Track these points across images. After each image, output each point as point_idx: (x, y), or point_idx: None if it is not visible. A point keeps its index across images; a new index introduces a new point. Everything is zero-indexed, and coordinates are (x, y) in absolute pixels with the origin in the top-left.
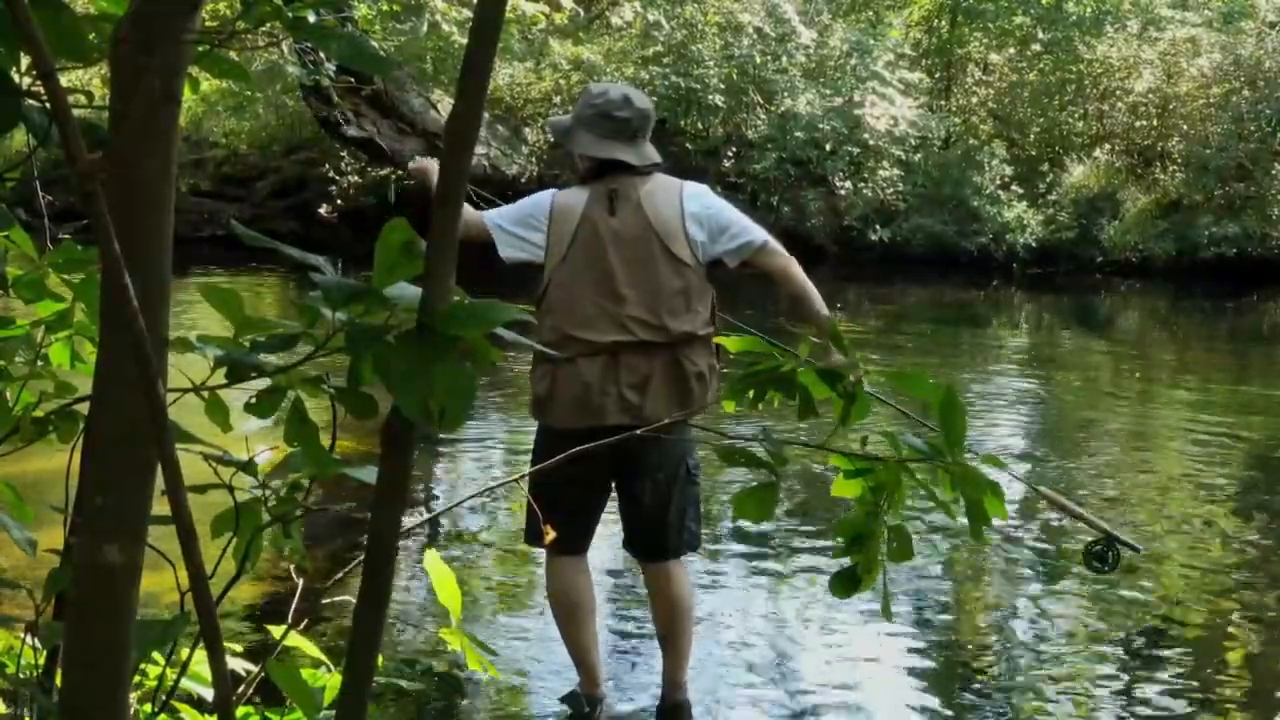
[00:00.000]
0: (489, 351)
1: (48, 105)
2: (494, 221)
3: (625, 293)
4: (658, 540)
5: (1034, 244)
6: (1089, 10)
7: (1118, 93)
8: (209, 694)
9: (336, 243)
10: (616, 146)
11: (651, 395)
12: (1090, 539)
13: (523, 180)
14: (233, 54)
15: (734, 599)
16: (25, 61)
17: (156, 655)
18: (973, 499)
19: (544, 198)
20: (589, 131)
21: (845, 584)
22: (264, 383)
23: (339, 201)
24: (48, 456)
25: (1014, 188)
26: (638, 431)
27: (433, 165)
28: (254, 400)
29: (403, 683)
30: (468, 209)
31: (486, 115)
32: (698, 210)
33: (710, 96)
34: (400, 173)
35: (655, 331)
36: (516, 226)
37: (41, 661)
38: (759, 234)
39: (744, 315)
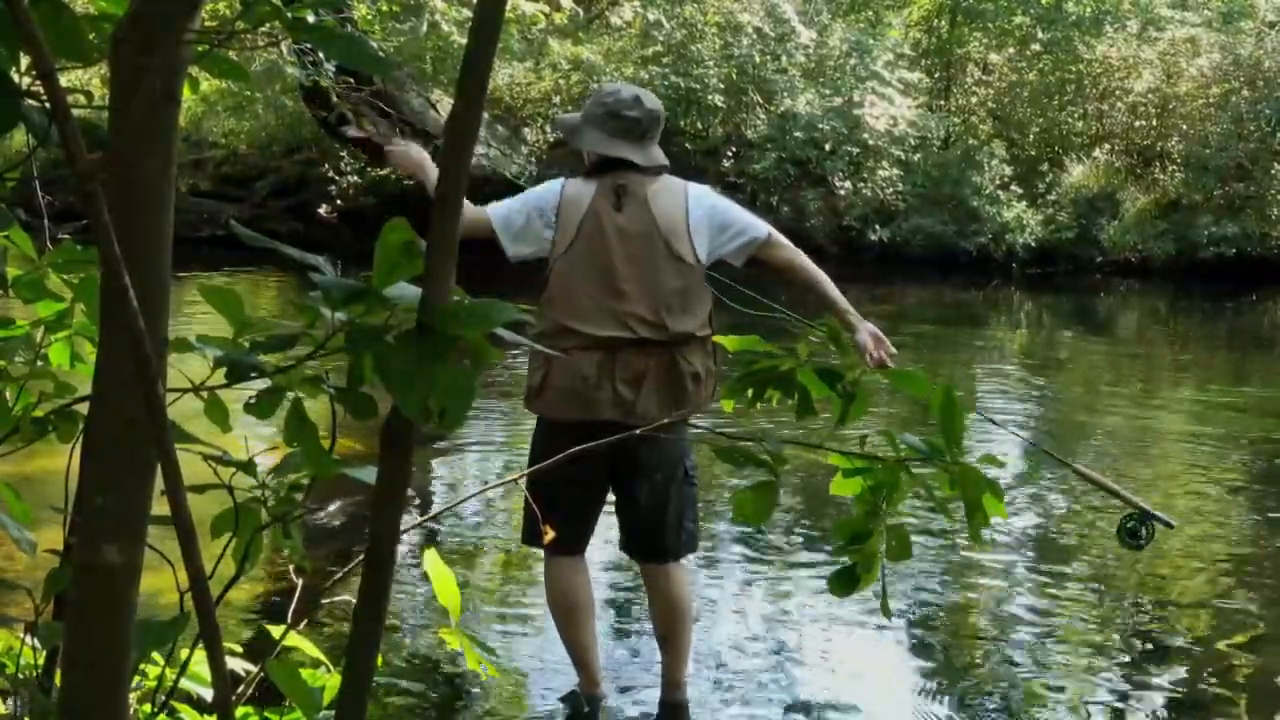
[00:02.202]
0: (489, 351)
1: (48, 105)
2: (501, 221)
3: (626, 289)
4: (656, 541)
5: (1033, 244)
6: (1089, 10)
7: (1117, 93)
8: (209, 694)
9: (336, 243)
10: (624, 146)
11: (645, 393)
12: (1125, 514)
13: (522, 180)
14: (232, 54)
15: (733, 598)
16: (25, 61)
17: (156, 655)
18: (971, 499)
19: (554, 187)
20: (597, 130)
21: (844, 583)
22: (264, 383)
23: (339, 201)
24: (48, 456)
25: (1013, 188)
26: (636, 431)
27: (414, 150)
28: (254, 400)
29: (403, 682)
30: (470, 204)
31: (486, 115)
32: (701, 213)
33: (710, 96)
34: (399, 173)
35: (654, 330)
36: (524, 223)
37: (41, 661)
38: (761, 229)
39: (742, 315)
